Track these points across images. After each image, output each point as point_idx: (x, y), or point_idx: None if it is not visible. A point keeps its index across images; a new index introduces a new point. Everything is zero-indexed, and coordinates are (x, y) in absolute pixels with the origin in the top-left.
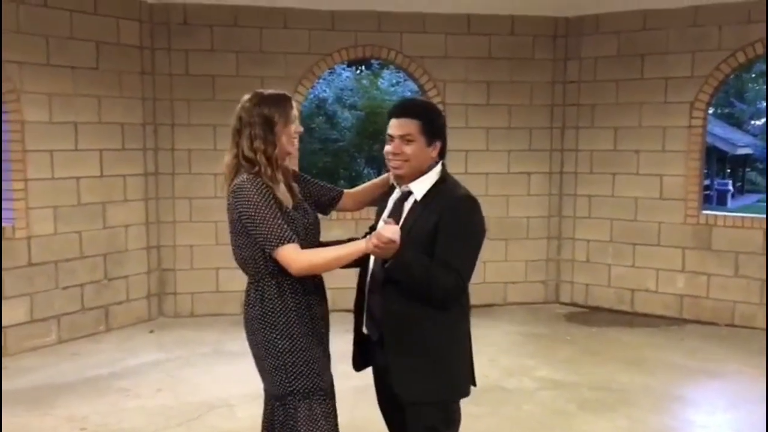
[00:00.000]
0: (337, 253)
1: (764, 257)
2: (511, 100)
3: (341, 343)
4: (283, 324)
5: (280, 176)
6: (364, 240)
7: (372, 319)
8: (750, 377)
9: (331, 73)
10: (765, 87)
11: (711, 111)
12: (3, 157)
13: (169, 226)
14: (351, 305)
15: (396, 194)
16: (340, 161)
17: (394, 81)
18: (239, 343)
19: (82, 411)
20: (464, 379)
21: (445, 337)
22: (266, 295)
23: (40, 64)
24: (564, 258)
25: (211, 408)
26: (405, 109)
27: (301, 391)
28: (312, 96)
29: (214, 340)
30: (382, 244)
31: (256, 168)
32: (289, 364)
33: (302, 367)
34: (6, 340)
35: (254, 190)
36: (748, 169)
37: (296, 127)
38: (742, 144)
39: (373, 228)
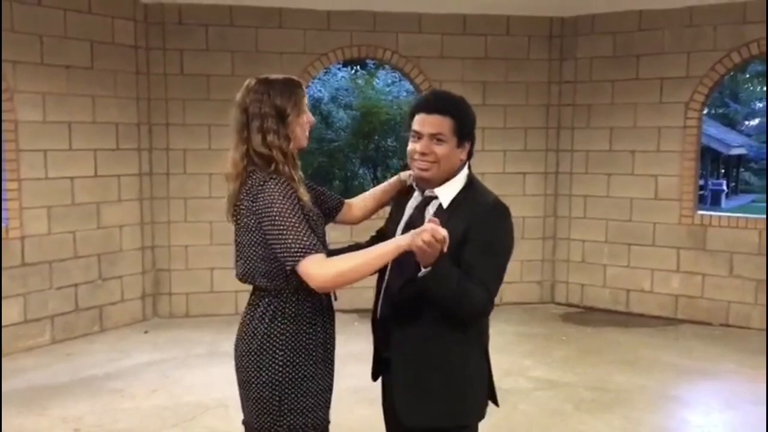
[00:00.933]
0: (371, 254)
1: (759, 257)
2: (507, 100)
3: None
4: (295, 349)
5: (299, 173)
6: (406, 236)
7: (382, 334)
8: (745, 377)
9: (326, 72)
10: (760, 88)
11: (705, 111)
12: (1, 157)
13: (164, 227)
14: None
15: (416, 199)
16: (335, 161)
17: (389, 81)
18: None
19: (77, 411)
20: (482, 399)
21: (459, 356)
22: (283, 313)
23: (34, 64)
24: (559, 258)
25: (207, 409)
26: (438, 104)
27: (292, 428)
28: (307, 96)
29: (209, 341)
30: (434, 241)
31: (273, 165)
32: (285, 396)
33: (300, 401)
34: (0, 340)
35: (280, 192)
36: (742, 170)
37: (309, 117)
38: (737, 144)
39: (381, 233)
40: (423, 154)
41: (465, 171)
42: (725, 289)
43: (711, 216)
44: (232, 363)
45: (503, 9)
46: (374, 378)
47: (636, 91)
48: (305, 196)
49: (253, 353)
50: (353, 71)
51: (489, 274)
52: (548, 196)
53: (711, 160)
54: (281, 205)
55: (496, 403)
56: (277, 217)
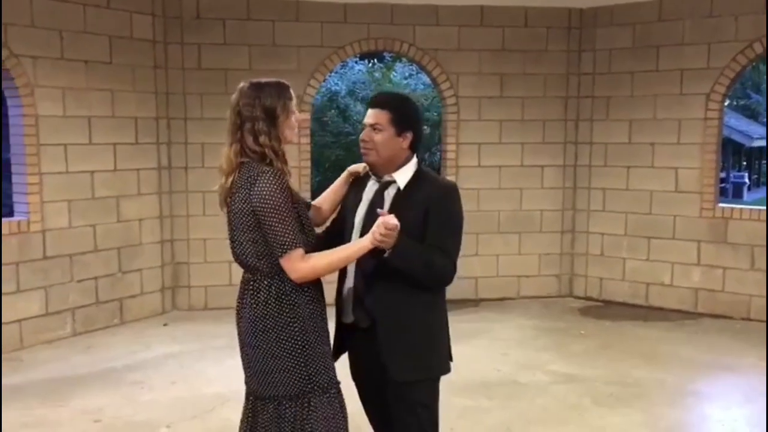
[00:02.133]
0: (343, 254)
1: None
2: (525, 92)
3: None
4: (305, 318)
5: (288, 169)
6: (368, 235)
7: (362, 307)
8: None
9: (343, 66)
10: None
11: (727, 103)
12: (17, 151)
13: (183, 220)
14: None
15: (372, 185)
16: (352, 154)
17: (406, 74)
18: None
19: (97, 403)
20: (447, 354)
21: (433, 317)
22: (284, 290)
23: (54, 59)
24: (578, 252)
25: (225, 401)
26: (379, 100)
27: (320, 386)
28: (324, 89)
29: (228, 333)
30: (388, 232)
31: (267, 161)
32: (310, 359)
33: (321, 361)
34: (21, 332)
35: (278, 185)
36: (764, 161)
37: (297, 116)
38: (758, 136)
39: (335, 222)
40: (363, 141)
41: (415, 159)
42: (746, 282)
43: (732, 209)
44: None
45: (521, 0)
46: (336, 356)
47: (656, 83)
48: (295, 190)
49: (272, 329)
50: (370, 64)
51: (450, 246)
52: (567, 189)
53: (732, 152)
54: (277, 198)
55: (451, 358)
56: (271, 210)
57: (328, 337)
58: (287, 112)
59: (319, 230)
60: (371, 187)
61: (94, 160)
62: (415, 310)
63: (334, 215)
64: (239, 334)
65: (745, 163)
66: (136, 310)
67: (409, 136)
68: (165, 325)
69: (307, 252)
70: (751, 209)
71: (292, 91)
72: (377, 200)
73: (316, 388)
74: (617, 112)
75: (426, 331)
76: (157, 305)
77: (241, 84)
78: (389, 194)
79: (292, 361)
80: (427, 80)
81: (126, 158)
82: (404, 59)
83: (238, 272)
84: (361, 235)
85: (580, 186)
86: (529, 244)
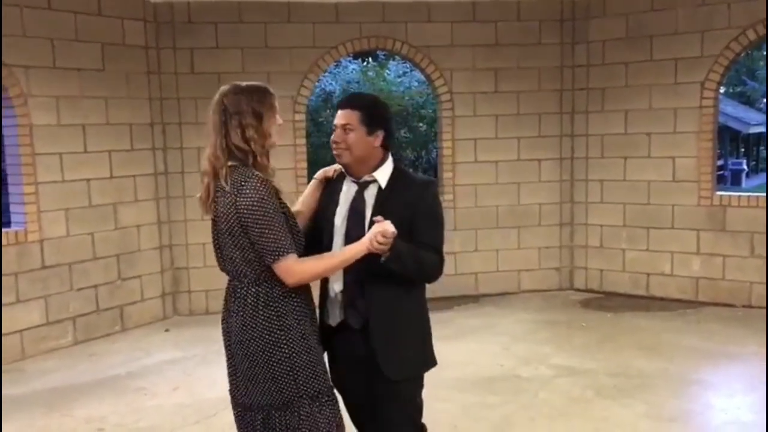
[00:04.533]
0: (340, 258)
1: None
2: (520, 86)
3: None
4: (294, 324)
5: (273, 168)
6: (364, 240)
7: (353, 309)
8: None
9: (336, 66)
10: None
11: (722, 90)
12: (13, 161)
13: (181, 225)
14: None
15: (349, 186)
16: None
17: (400, 72)
18: None
19: (100, 411)
20: (432, 349)
21: (422, 311)
22: (272, 297)
23: (46, 67)
24: (577, 244)
25: (228, 405)
26: (348, 101)
27: (310, 394)
28: (319, 89)
29: None
30: (386, 240)
31: (250, 159)
32: (297, 367)
33: (310, 369)
34: (23, 343)
35: (265, 191)
36: (762, 148)
37: (279, 119)
38: (755, 123)
39: (310, 226)
40: (335, 142)
41: (391, 158)
42: (747, 269)
43: (730, 196)
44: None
45: None
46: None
47: (650, 73)
48: (280, 189)
49: (257, 338)
50: (364, 63)
51: (437, 240)
52: (564, 181)
53: (730, 139)
54: (265, 206)
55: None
56: (260, 218)
57: (318, 343)
58: (272, 113)
59: None
60: (349, 189)
61: (90, 168)
62: (408, 306)
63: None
64: (226, 343)
65: (743, 150)
66: (136, 317)
67: (381, 134)
68: (166, 330)
69: (299, 255)
70: (749, 196)
71: (275, 95)
72: (358, 201)
73: (305, 396)
74: (612, 104)
75: (418, 327)
76: (157, 311)
77: (222, 88)
78: (370, 194)
79: (279, 368)
80: (422, 77)
81: (122, 165)
82: (398, 57)
83: None
84: (347, 238)
85: (577, 178)
86: (528, 238)
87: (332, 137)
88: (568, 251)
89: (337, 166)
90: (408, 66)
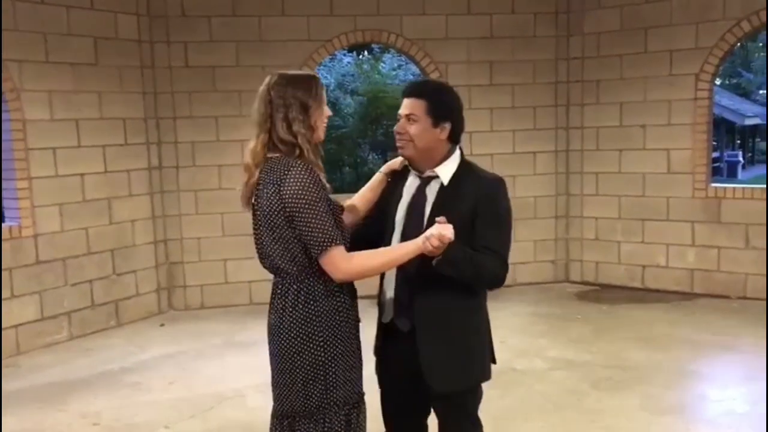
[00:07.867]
0: (390, 256)
1: None
2: (515, 79)
3: None
4: (333, 326)
5: (321, 164)
6: (418, 240)
7: (402, 310)
8: (764, 349)
9: (331, 59)
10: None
11: (718, 82)
12: (6, 156)
13: (176, 220)
14: None
15: (413, 180)
16: (344, 148)
17: (395, 65)
18: (250, 334)
19: (96, 406)
20: (490, 357)
21: (477, 320)
22: (314, 295)
23: (39, 62)
24: (573, 236)
25: (224, 399)
26: (413, 88)
27: (338, 402)
28: None
29: (225, 331)
30: (442, 245)
31: (297, 152)
32: (331, 372)
33: (344, 375)
34: (18, 338)
35: (311, 181)
36: (758, 140)
37: (327, 111)
38: (751, 114)
39: (373, 219)
40: (399, 133)
41: (458, 152)
42: (742, 261)
43: (725, 188)
44: (249, 352)
45: None
46: (377, 354)
47: (645, 65)
48: (327, 184)
49: (295, 338)
50: (359, 56)
51: (501, 243)
52: (559, 174)
53: (726, 131)
54: (310, 193)
55: (494, 361)
56: (306, 205)
57: (358, 347)
58: (319, 103)
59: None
60: (412, 183)
61: (84, 163)
62: (461, 314)
63: (369, 214)
64: (268, 341)
65: (738, 141)
66: (132, 312)
67: (448, 126)
68: (162, 325)
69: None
70: (744, 188)
71: (323, 84)
72: (419, 197)
73: (332, 404)
74: (607, 96)
75: (472, 337)
76: (153, 306)
77: (269, 76)
78: (432, 190)
79: (312, 373)
80: (417, 70)
81: (116, 159)
82: (393, 50)
83: (233, 270)
84: (403, 235)
85: (572, 171)
86: (524, 230)
87: (395, 127)
88: (563, 244)
89: (402, 158)
90: (403, 59)
